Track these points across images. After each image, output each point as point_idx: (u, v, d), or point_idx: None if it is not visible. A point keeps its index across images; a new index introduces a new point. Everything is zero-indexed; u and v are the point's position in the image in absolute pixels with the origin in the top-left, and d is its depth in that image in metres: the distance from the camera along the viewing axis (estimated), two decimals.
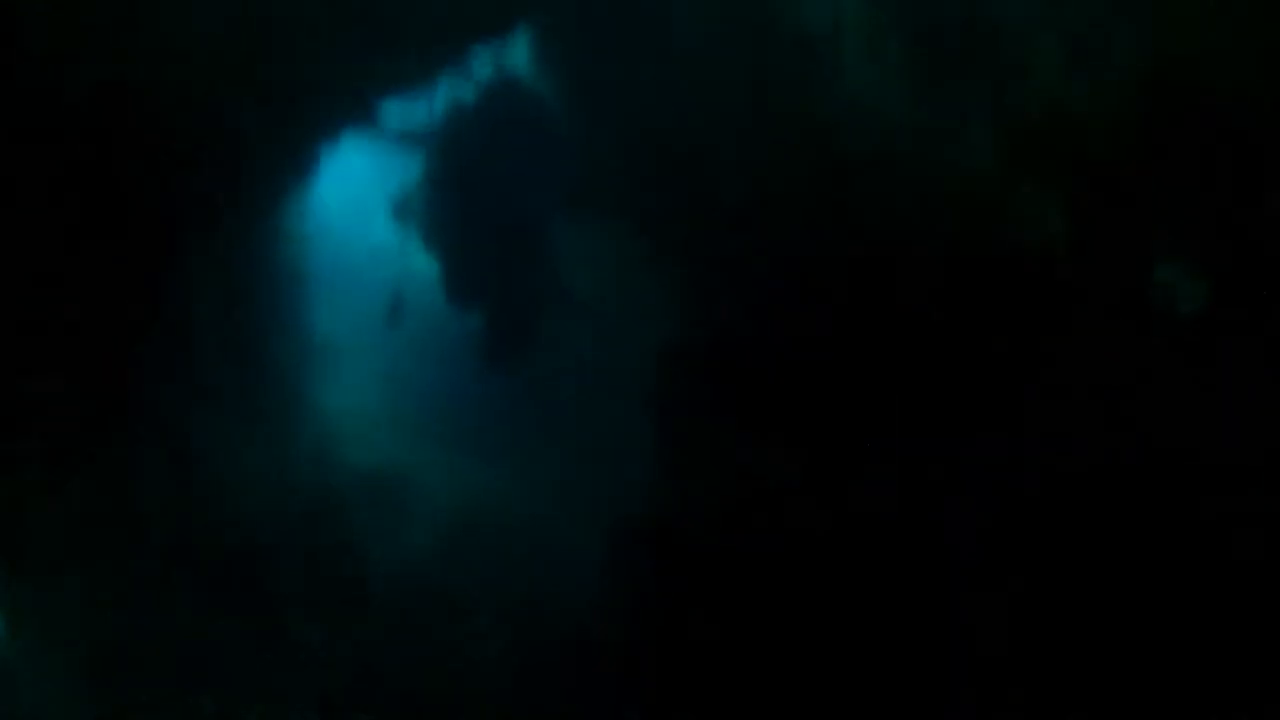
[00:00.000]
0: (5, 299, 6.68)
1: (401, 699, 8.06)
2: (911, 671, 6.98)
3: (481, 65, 10.22)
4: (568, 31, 9.52)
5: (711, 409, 8.21)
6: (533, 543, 9.15)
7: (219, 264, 8.67)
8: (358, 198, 10.78)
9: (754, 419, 7.97)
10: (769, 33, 7.58)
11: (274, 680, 7.93)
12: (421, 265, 10.50)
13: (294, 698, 7.88)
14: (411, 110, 10.82)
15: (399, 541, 9.17)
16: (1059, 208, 6.25)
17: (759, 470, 7.82)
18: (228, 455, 8.66)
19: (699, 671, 7.69)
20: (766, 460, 7.81)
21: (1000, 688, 6.41)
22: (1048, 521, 6.30)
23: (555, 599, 8.55)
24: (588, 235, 9.75)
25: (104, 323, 7.34)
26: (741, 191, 7.93)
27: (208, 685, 7.75)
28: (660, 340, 8.70)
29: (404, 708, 8.00)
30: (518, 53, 10.29)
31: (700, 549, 8.01)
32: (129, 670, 7.62)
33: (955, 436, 6.83)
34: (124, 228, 7.18)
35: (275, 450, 9.20)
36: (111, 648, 7.64)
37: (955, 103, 6.56)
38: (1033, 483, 6.34)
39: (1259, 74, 5.65)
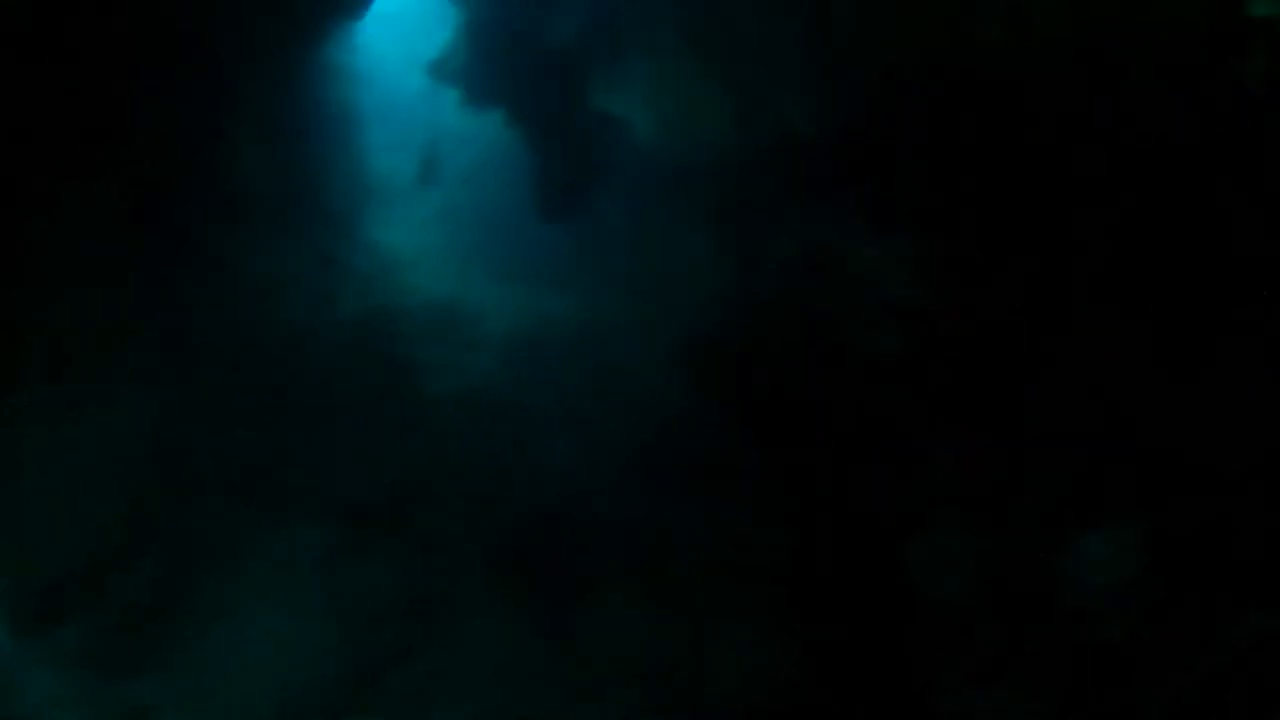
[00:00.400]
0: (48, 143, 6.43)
1: (454, 505, 8.00)
2: None
3: None
4: None
5: (775, 218, 8.10)
6: (594, 362, 9.12)
7: (269, 98, 8.65)
8: (412, 40, 10.75)
9: (821, 224, 7.81)
10: None
11: (322, 491, 7.84)
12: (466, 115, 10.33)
13: (340, 509, 7.77)
14: None
15: (458, 363, 9.13)
16: None
17: (828, 276, 7.73)
18: (277, 281, 8.59)
19: (759, 476, 7.67)
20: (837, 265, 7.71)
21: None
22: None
23: (616, 413, 8.58)
24: (637, 72, 9.72)
25: (153, 153, 7.33)
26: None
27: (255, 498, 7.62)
28: (719, 160, 8.58)
29: (455, 515, 7.93)
30: None
31: (764, 359, 7.98)
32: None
33: None
34: (172, 59, 7.15)
35: (325, 276, 9.12)
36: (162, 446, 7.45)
37: None
38: None
39: None
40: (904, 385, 7.16)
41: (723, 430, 8.17)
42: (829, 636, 6.94)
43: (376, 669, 7.11)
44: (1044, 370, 6.16)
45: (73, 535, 6.87)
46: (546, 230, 10.25)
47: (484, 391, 8.94)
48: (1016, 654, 6.33)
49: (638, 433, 8.46)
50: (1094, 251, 5.92)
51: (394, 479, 8.12)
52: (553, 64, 9.88)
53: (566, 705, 7.01)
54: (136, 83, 7.08)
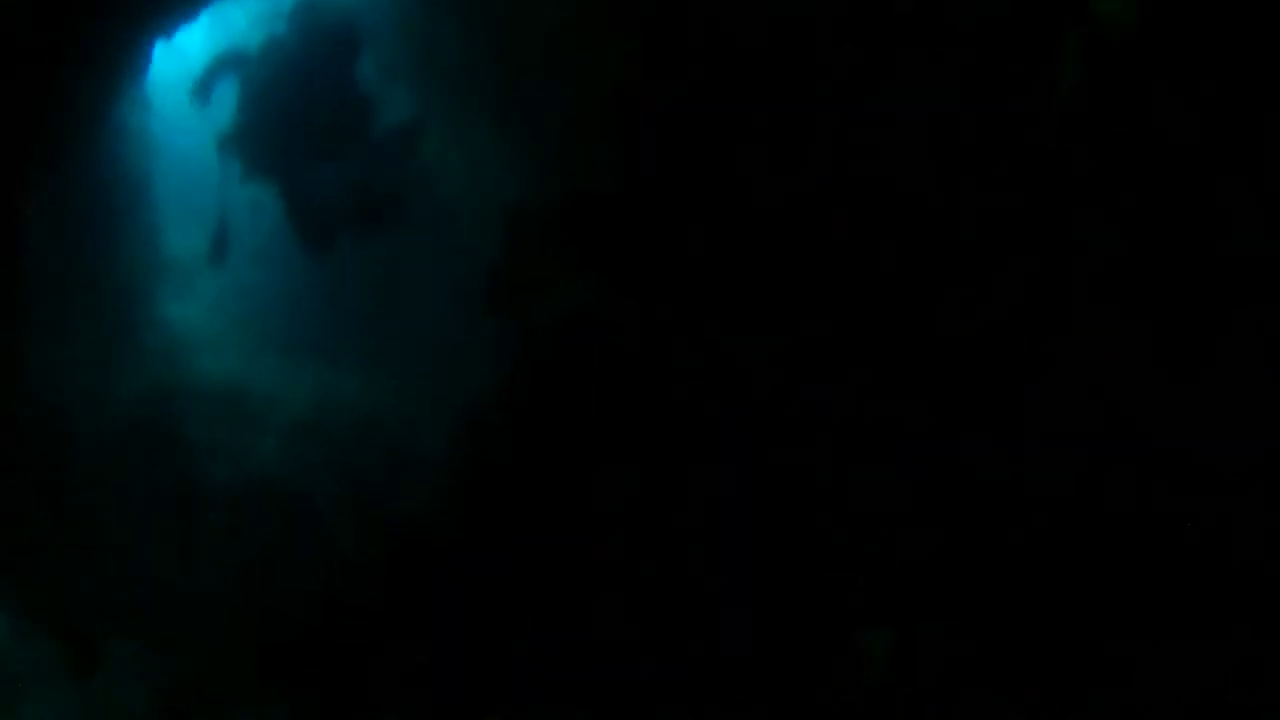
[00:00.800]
0: None
1: (245, 605, 7.75)
2: None
3: None
4: None
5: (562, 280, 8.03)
6: (381, 442, 9.00)
7: (55, 162, 8.08)
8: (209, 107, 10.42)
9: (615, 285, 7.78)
10: None
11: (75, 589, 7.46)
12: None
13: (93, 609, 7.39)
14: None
15: (242, 448, 8.92)
16: None
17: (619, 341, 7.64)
18: (52, 358, 8.09)
19: (552, 567, 7.53)
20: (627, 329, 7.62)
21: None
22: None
23: (405, 496, 8.39)
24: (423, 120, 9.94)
25: None
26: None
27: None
28: (505, 215, 8.58)
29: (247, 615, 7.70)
30: None
31: (552, 435, 7.88)
32: None
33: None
34: None
35: (107, 360, 8.79)
36: None
37: None
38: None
39: None
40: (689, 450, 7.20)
41: (510, 509, 8.00)
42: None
43: None
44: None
45: None
46: (336, 307, 10.26)
47: (266, 478, 8.74)
48: None
49: (424, 517, 8.25)
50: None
51: (158, 572, 7.83)
52: (339, 132, 9.95)
53: None
54: None
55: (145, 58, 9.45)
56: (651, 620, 7.10)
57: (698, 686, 6.88)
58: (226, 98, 10.18)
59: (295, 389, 9.60)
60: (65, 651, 7.17)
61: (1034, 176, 6.08)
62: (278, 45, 10.10)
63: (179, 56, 10.65)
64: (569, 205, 8.05)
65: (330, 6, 10.22)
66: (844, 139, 6.48)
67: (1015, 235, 6.17)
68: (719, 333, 7.14)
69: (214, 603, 7.73)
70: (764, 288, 6.91)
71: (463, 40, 9.77)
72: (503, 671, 7.30)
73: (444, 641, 7.51)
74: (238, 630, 7.60)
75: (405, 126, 10.21)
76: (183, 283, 10.28)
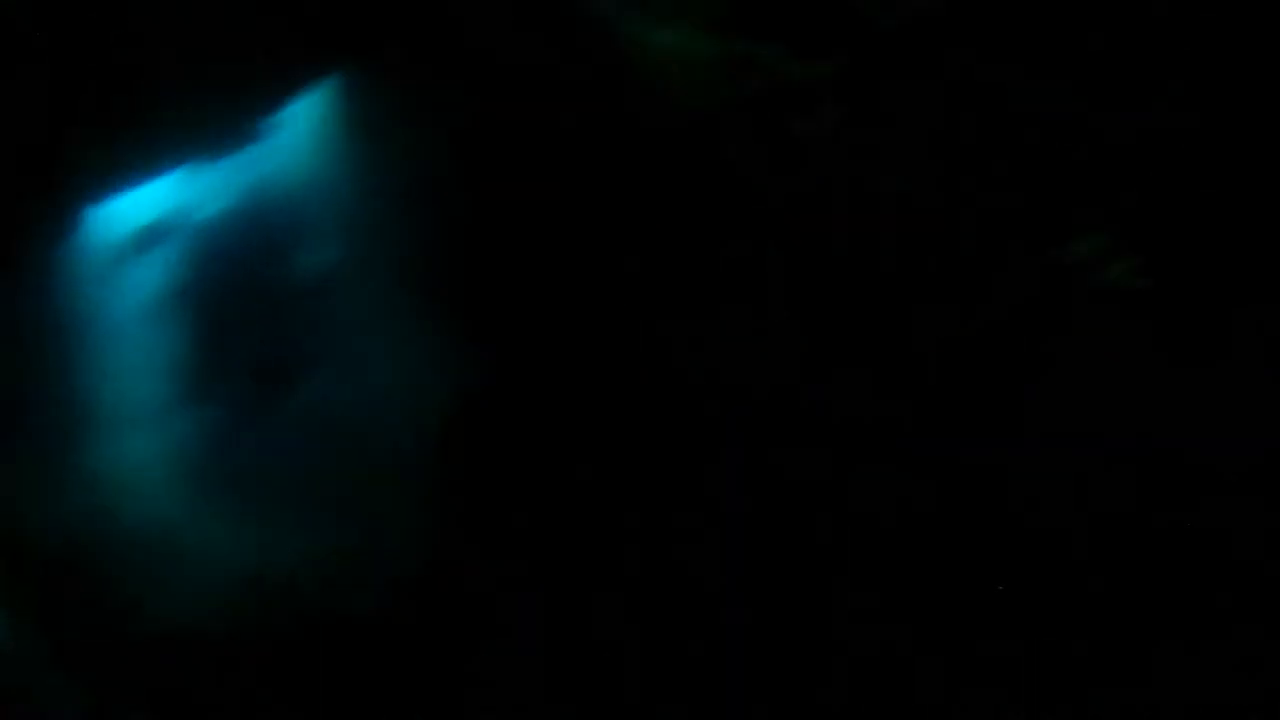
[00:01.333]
0: None
1: None
2: None
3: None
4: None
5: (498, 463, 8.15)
6: (311, 604, 8.85)
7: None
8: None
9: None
10: None
11: None
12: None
13: None
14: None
15: (170, 597, 8.84)
16: None
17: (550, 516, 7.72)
18: None
19: None
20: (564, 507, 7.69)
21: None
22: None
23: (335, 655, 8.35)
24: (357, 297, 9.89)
25: None
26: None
27: None
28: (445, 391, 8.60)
29: None
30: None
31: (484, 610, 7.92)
32: None
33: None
34: None
35: (39, 504, 8.78)
36: None
37: None
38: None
39: None
40: None
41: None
42: None
43: None
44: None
45: None
46: (276, 456, 10.05)
47: (194, 626, 8.66)
48: None
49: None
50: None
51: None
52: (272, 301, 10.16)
53: None
54: None
55: (91, 215, 9.69)
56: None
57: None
58: (169, 258, 10.43)
59: (232, 538, 9.54)
60: None
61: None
62: (220, 217, 10.44)
63: (127, 214, 10.80)
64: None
65: (279, 191, 10.48)
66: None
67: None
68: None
69: None
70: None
71: (408, 243, 9.92)
72: None
73: None
74: None
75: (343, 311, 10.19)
76: (119, 432, 10.30)
